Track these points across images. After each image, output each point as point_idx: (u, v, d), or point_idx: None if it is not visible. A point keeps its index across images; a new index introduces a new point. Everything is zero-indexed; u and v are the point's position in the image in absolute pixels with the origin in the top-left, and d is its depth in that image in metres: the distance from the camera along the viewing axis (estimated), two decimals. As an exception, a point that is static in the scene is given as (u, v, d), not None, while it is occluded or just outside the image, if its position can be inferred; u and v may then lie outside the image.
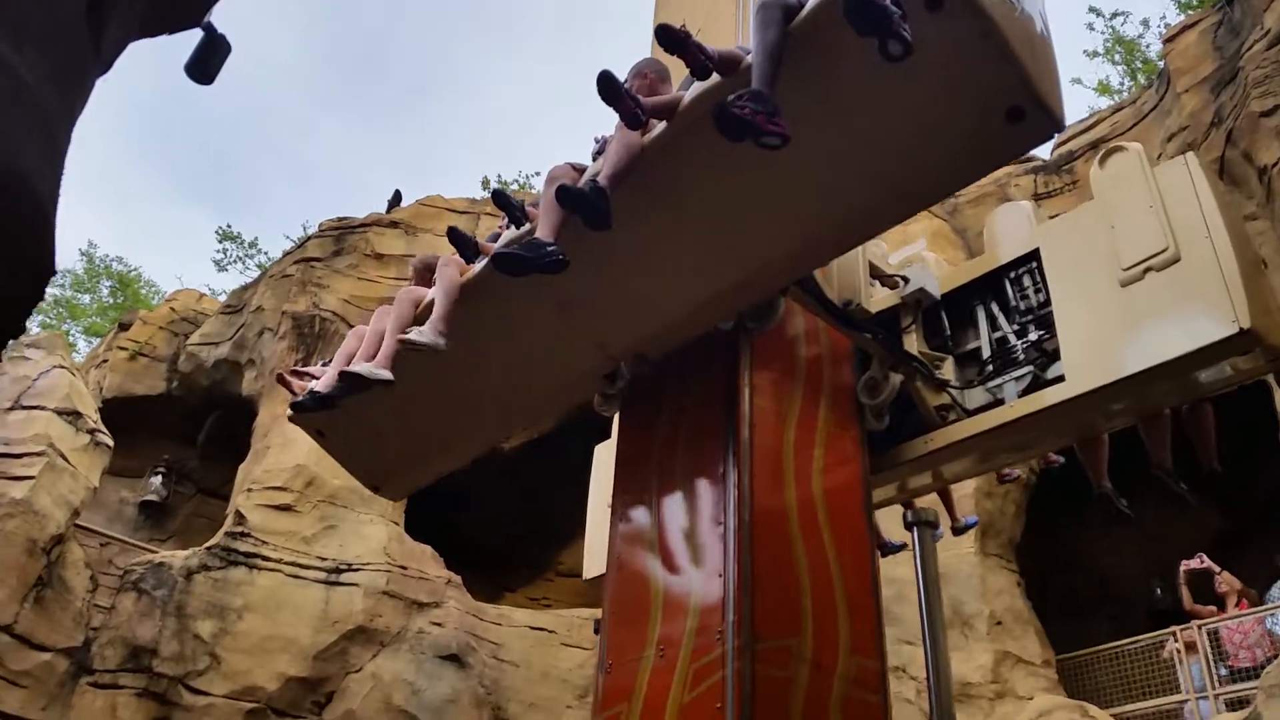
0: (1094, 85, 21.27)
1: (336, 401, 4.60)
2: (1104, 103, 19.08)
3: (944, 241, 12.86)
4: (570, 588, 14.87)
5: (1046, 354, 4.69)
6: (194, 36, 6.05)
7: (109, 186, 47.29)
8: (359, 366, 4.32)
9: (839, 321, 4.70)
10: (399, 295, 4.71)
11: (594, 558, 6.26)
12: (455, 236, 4.57)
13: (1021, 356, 4.80)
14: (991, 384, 4.90)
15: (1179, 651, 10.33)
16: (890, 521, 5.84)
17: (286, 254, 15.52)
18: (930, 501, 5.86)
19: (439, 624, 11.02)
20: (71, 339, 24.58)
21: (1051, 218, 5.54)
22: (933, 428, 4.87)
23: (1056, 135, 3.57)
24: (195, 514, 14.79)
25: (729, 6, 5.71)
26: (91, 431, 10.75)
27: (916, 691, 10.26)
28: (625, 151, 3.67)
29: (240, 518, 11.36)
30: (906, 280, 5.08)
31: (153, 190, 49.63)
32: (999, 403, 4.80)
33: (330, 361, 5.24)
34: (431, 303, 4.52)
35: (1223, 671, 10.11)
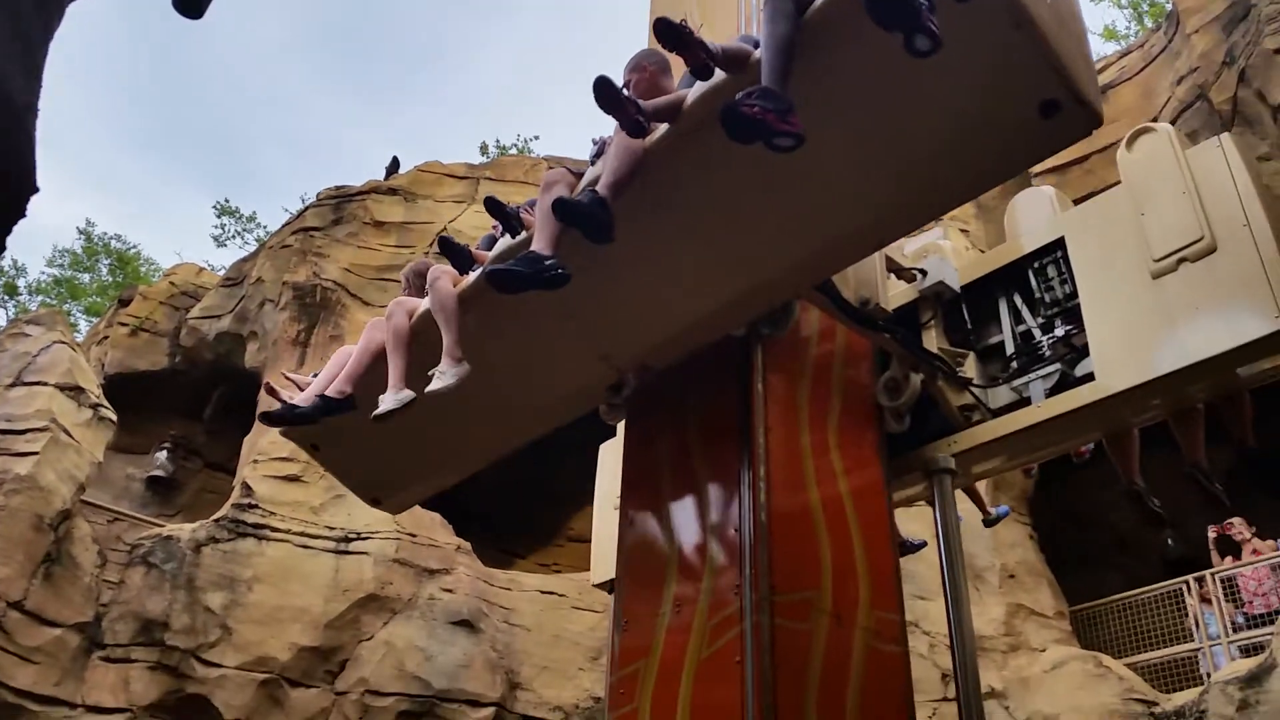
0: (1099, 30, 20.91)
1: (315, 419, 4.40)
2: (1110, 48, 18.78)
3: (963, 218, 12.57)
4: (579, 553, 14.85)
5: (1075, 350, 4.46)
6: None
7: (105, 167, 47.04)
8: (385, 402, 4.11)
9: (857, 322, 4.47)
10: (391, 308, 4.50)
11: (602, 562, 6.13)
12: (447, 246, 4.34)
13: (1048, 353, 4.56)
14: (1017, 382, 4.65)
15: (1195, 608, 10.31)
16: (909, 523, 5.77)
17: (285, 224, 15.37)
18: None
19: (450, 590, 10.99)
20: (72, 319, 24.51)
21: (1052, 170, 5.33)
22: (956, 429, 4.65)
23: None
24: (203, 489, 14.76)
25: None
26: (94, 406, 10.68)
27: (929, 646, 10.24)
28: (626, 158, 3.45)
29: (248, 489, 11.31)
30: (925, 273, 4.85)
31: (149, 170, 49.39)
32: (1025, 401, 4.58)
33: (316, 374, 5.03)
34: (425, 313, 4.34)
35: (1239, 619, 10.09)
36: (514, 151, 21.30)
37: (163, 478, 14.36)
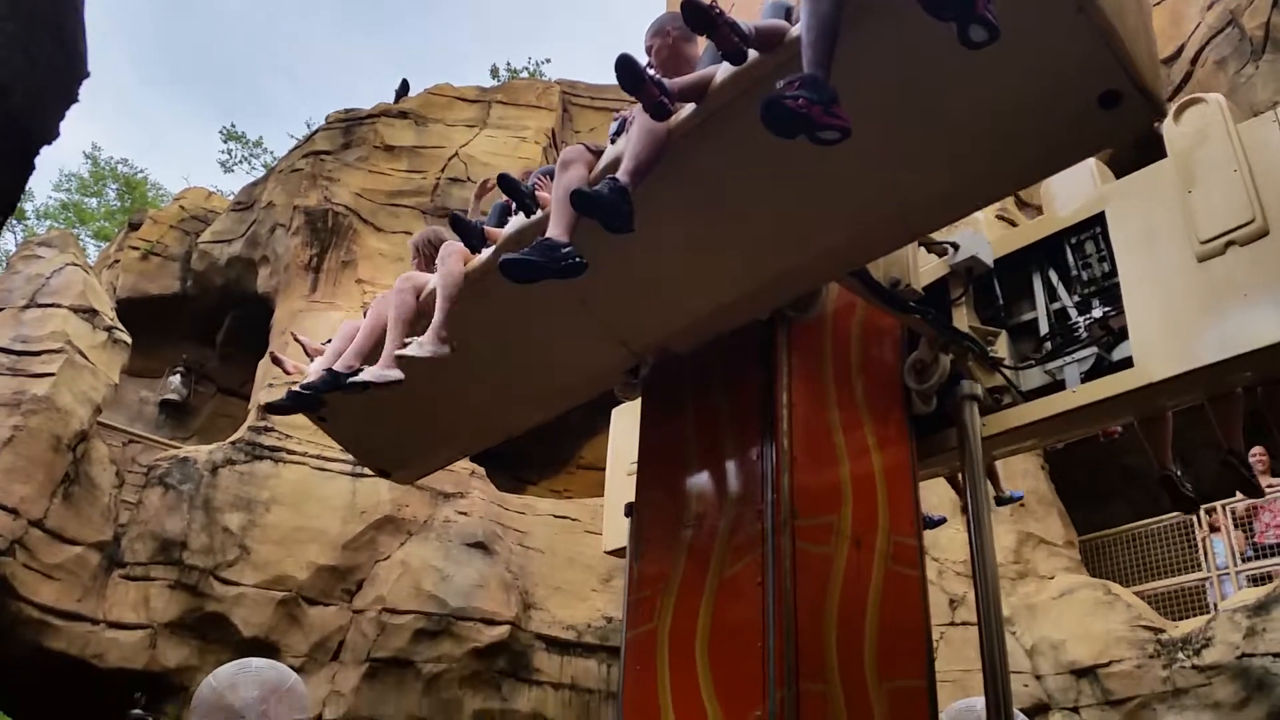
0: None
1: (321, 401, 4.30)
2: (1136, -26, 18.22)
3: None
4: (591, 480, 14.97)
5: (1112, 332, 4.25)
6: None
7: (109, 92, 46.47)
8: (369, 373, 4.01)
9: (886, 304, 4.30)
10: (398, 284, 4.38)
11: (614, 529, 6.10)
12: (459, 225, 4.16)
13: (1084, 334, 4.35)
14: (1050, 365, 4.45)
15: (1205, 540, 10.37)
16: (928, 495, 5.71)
17: (295, 148, 15.20)
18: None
19: (465, 513, 11.11)
20: (81, 243, 24.41)
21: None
22: (985, 411, 4.45)
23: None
24: (217, 413, 14.85)
25: None
26: (109, 329, 10.68)
27: (938, 572, 10.35)
28: (649, 142, 3.24)
29: (263, 412, 11.37)
30: (956, 247, 4.65)
31: (154, 95, 48.78)
32: (1058, 385, 4.40)
33: (330, 341, 4.92)
34: (434, 292, 4.23)
35: (1249, 554, 10.15)
36: (525, 75, 20.93)
37: (176, 401, 14.44)
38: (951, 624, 10.48)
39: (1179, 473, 4.84)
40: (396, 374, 4.01)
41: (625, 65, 3.09)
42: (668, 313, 4.12)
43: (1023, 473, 11.24)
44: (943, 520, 5.81)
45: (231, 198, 16.55)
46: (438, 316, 3.99)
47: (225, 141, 26.08)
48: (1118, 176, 4.56)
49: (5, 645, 9.43)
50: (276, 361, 5.28)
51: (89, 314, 10.56)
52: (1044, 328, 4.56)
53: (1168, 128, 4.17)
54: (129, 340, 11.00)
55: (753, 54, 3.10)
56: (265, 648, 10.18)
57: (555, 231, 3.30)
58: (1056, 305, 4.55)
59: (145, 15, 47.16)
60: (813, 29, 2.82)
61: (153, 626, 10.07)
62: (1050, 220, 4.63)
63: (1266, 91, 10.04)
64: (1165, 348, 3.91)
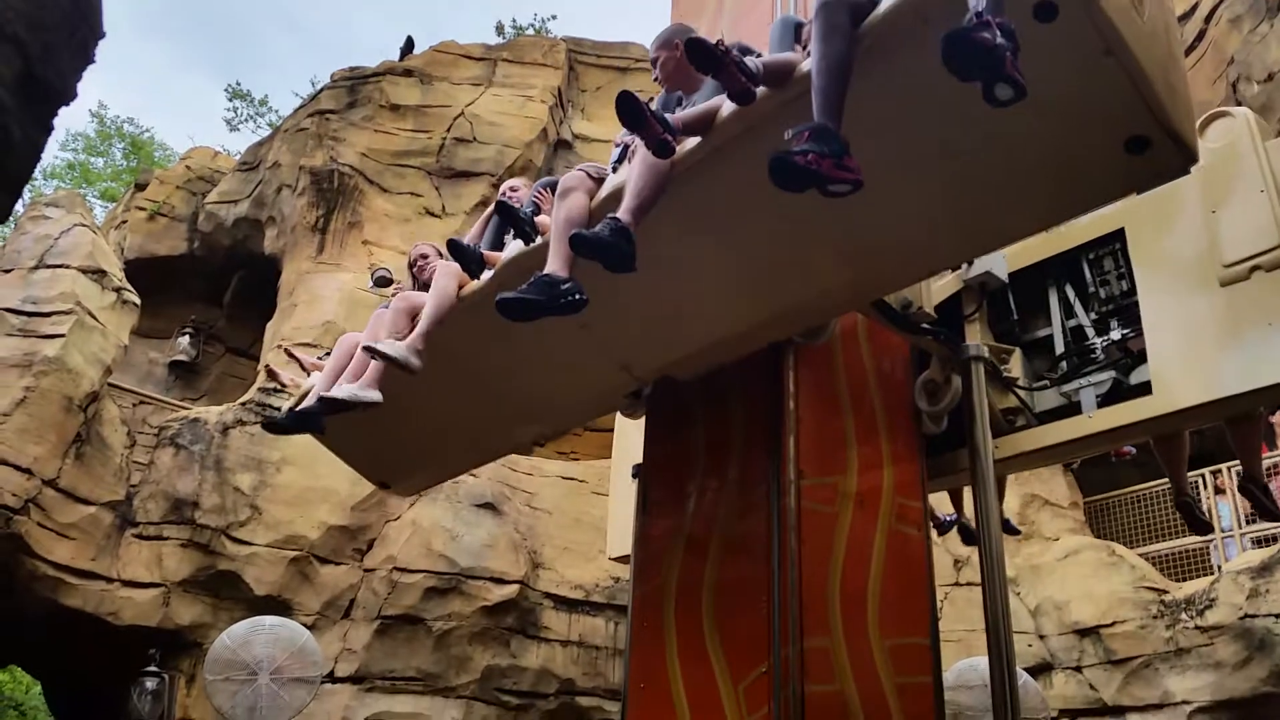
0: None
1: (319, 421, 4.21)
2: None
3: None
4: (598, 442, 15.04)
5: (1130, 355, 4.12)
6: None
7: (113, 50, 46.08)
8: (342, 390, 3.92)
9: (897, 327, 4.19)
10: (394, 303, 4.29)
11: (619, 535, 6.06)
12: (456, 249, 4.03)
13: (1101, 356, 4.21)
14: (1066, 387, 4.31)
15: (1210, 502, 10.38)
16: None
17: (300, 107, 15.11)
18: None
19: (473, 474, 11.18)
20: (88, 203, 24.37)
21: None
22: (998, 433, 4.32)
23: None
24: (226, 373, 14.91)
25: None
26: (117, 289, 10.70)
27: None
28: (652, 178, 3.13)
29: (272, 373, 11.42)
30: (970, 261, 4.50)
31: (157, 54, 48.41)
32: (1074, 407, 4.27)
33: (328, 353, 4.82)
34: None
35: (1253, 517, 10.18)
36: (531, 32, 20.72)
37: (185, 362, 14.48)
38: (956, 584, 10.56)
39: (1195, 497, 4.78)
40: (374, 395, 3.92)
41: (626, 103, 2.96)
42: (671, 341, 4.04)
43: (1029, 434, 11.24)
44: (955, 520, 5.81)
45: (238, 157, 16.50)
46: (420, 327, 3.92)
47: (231, 100, 25.96)
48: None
49: (23, 603, 9.57)
50: (272, 374, 5.25)
51: (98, 275, 10.58)
52: (1060, 346, 4.42)
53: None
54: (138, 301, 11.02)
55: (761, 89, 2.97)
56: (278, 606, 10.32)
57: (554, 266, 3.18)
58: (1073, 322, 4.41)
59: (148, -27, 46.74)
60: (823, 72, 2.70)
61: (166, 585, 10.20)
62: (1067, 235, 4.47)
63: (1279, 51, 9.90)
64: (1186, 374, 3.78)
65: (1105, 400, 4.13)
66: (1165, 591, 9.67)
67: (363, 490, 10.90)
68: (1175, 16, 2.95)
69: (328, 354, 4.76)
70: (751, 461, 4.37)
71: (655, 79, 3.92)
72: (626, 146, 3.63)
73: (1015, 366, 4.48)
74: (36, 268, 10.32)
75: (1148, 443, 4.67)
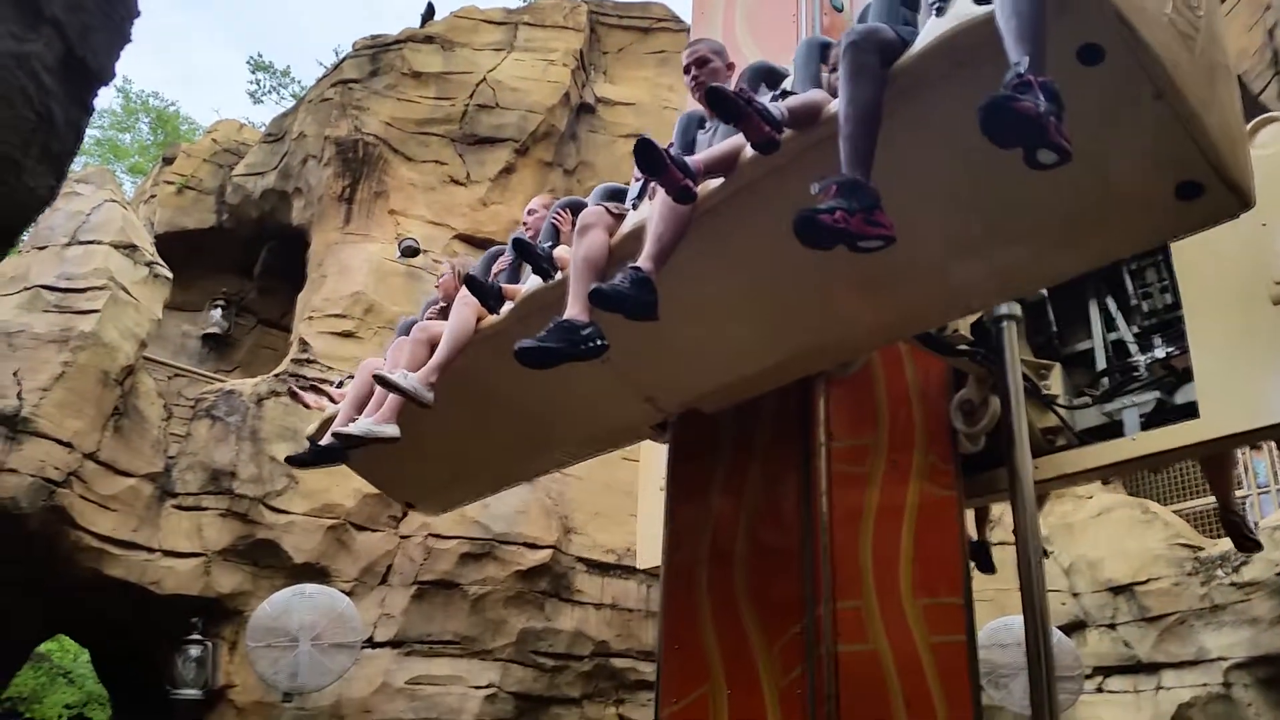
0: None
1: (340, 455, 4.23)
2: None
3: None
4: (628, 405, 15.12)
5: (1175, 373, 3.97)
6: None
7: (136, 26, 46.15)
8: (358, 426, 3.91)
9: (932, 349, 4.10)
10: (414, 333, 4.23)
11: (649, 546, 6.02)
12: (474, 285, 3.91)
13: (1144, 374, 4.07)
14: (1108, 407, 4.17)
15: (1246, 458, 10.29)
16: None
17: (324, 77, 15.11)
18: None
19: (504, 441, 11.29)
20: (117, 180, 24.56)
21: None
22: (1038, 452, 4.19)
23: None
24: (258, 345, 15.06)
25: None
26: (149, 264, 10.81)
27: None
28: (673, 222, 3.00)
29: (304, 345, 11.54)
30: None
31: (179, 28, 48.47)
32: (1115, 425, 4.14)
33: (347, 382, 4.84)
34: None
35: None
36: (552, -3, 20.50)
37: (218, 334, 14.63)
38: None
39: (1243, 514, 4.67)
40: (390, 430, 3.89)
41: (645, 151, 2.82)
42: (696, 376, 3.99)
43: (1061, 392, 11.16)
44: (975, 544, 5.75)
45: (263, 129, 16.55)
46: (435, 359, 3.87)
47: (253, 72, 25.97)
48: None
49: (68, 573, 9.79)
50: (294, 396, 5.26)
51: (129, 250, 10.69)
52: (1101, 361, 4.29)
53: None
54: (170, 275, 11.13)
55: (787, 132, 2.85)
56: (316, 573, 10.49)
57: (574, 310, 3.09)
58: (1114, 336, 4.29)
59: (168, -55, 46.65)
60: (851, 118, 2.54)
61: (206, 554, 10.39)
62: None
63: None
64: (1234, 397, 3.64)
65: (1149, 421, 3.99)
66: (1200, 548, 9.61)
67: (396, 458, 11.02)
68: (1228, 54, 2.73)
69: (350, 377, 4.75)
70: (782, 427, 4.37)
71: (689, 87, 3.78)
72: (647, 180, 3.55)
73: (1055, 382, 4.34)
74: (70, 244, 10.44)
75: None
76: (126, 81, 28.33)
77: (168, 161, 16.00)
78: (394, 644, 10.68)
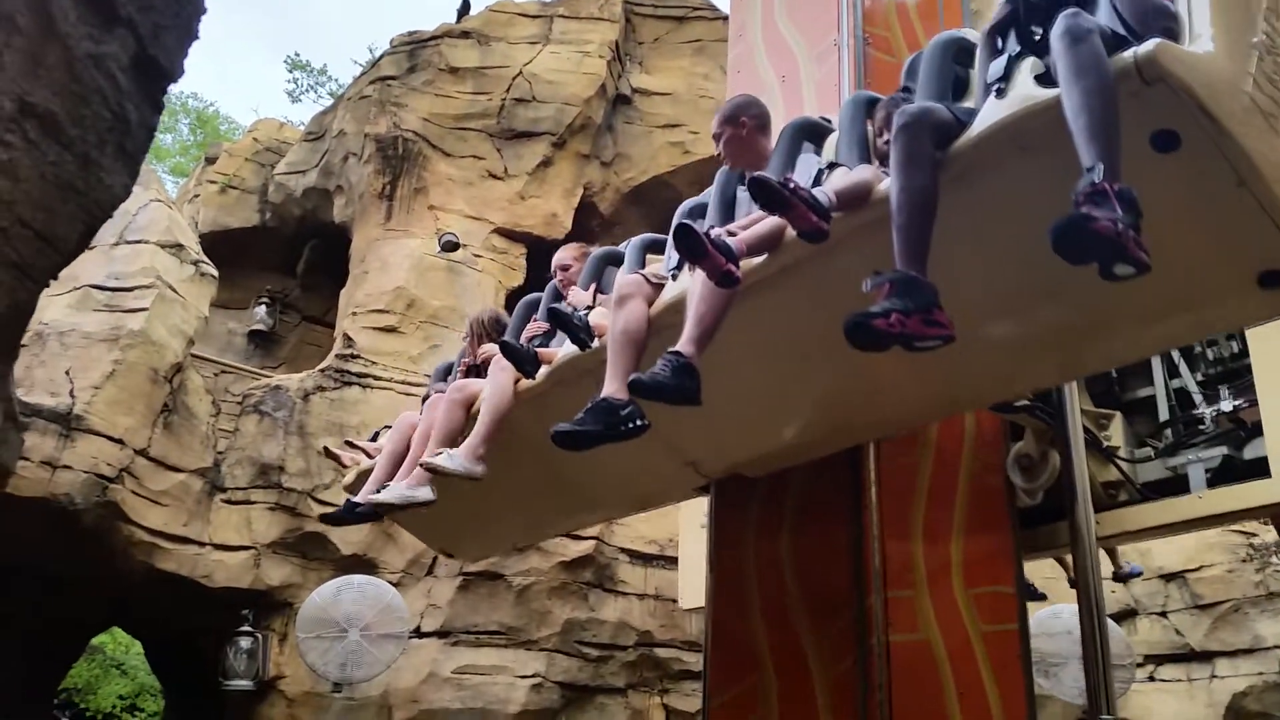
0: None
1: (376, 517, 4.23)
2: None
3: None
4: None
5: (1244, 427, 3.83)
6: None
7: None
8: (393, 493, 3.89)
9: (989, 406, 3.99)
10: (450, 393, 4.18)
11: (690, 587, 5.89)
12: (510, 352, 3.84)
13: (1211, 427, 3.92)
14: (1172, 461, 4.03)
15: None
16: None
17: (362, 74, 15.23)
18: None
19: (545, 433, 11.34)
20: (160, 180, 24.93)
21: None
22: (1098, 507, 4.08)
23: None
24: (303, 341, 15.24)
25: None
26: (195, 263, 10.98)
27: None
28: (715, 303, 2.88)
29: (349, 340, 11.66)
30: None
31: (215, 28, 49.04)
32: (1179, 480, 3.99)
33: (383, 431, 4.84)
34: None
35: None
36: (586, -11, 20.49)
37: (263, 331, 14.82)
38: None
39: None
40: (425, 494, 3.87)
41: (684, 235, 2.71)
42: (739, 444, 3.93)
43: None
44: (1043, 596, 5.62)
45: (302, 128, 16.72)
46: (479, 430, 3.81)
47: (291, 71, 26.23)
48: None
49: (121, 567, 9.99)
50: (331, 455, 5.27)
51: (175, 249, 10.86)
52: (1163, 411, 4.15)
53: None
54: (215, 274, 11.30)
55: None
56: (364, 565, 10.62)
57: (612, 387, 3.01)
58: (1177, 383, 4.14)
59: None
60: (904, 207, 2.40)
61: (256, 547, 10.55)
62: None
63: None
64: None
65: (1216, 478, 3.86)
66: (1254, 534, 9.43)
67: (439, 451, 11.10)
68: None
69: (388, 428, 4.74)
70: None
71: (717, 154, 3.70)
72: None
73: (1115, 432, 4.21)
74: (117, 244, 10.62)
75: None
76: (168, 83, 28.64)
77: (210, 161, 16.21)
78: (440, 634, 10.78)
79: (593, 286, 4.15)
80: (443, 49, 14.10)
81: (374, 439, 5.04)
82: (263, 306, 14.87)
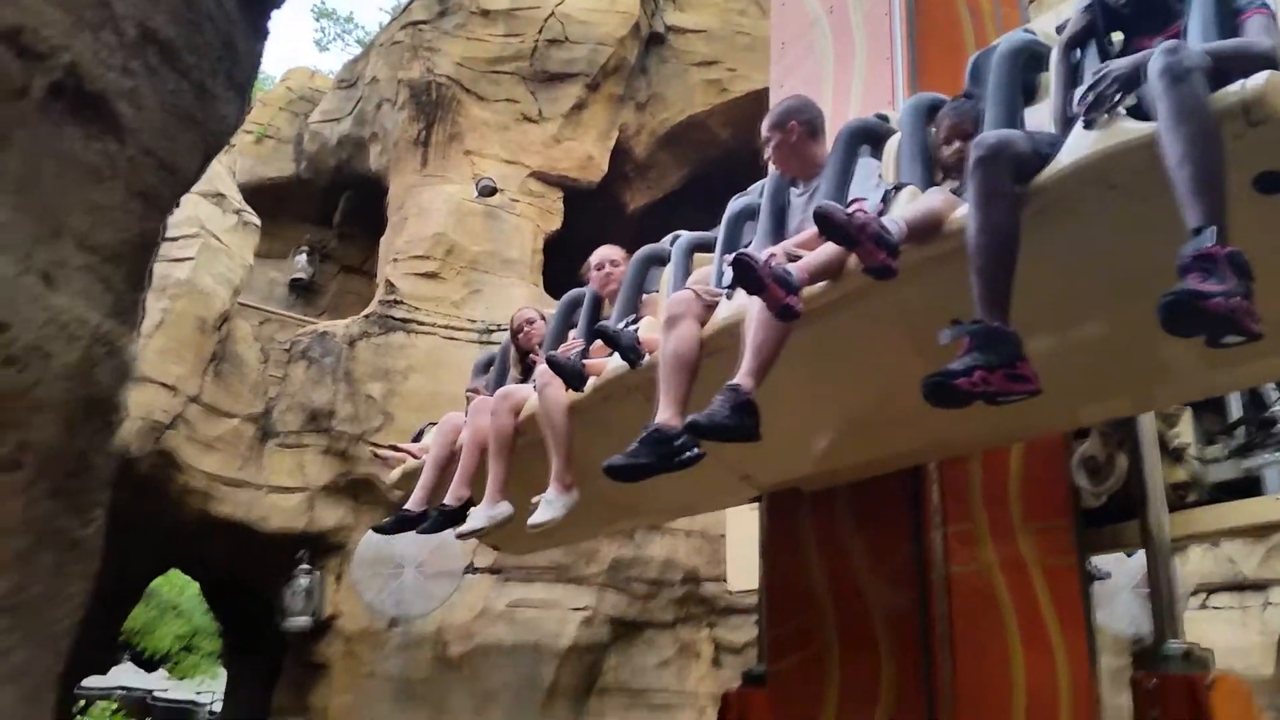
0: None
1: (439, 529, 4.22)
2: None
3: None
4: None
5: None
6: None
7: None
8: (479, 519, 3.90)
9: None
10: (495, 403, 4.11)
11: (738, 570, 5.81)
12: (557, 366, 3.72)
13: None
14: (1246, 463, 3.95)
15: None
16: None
17: (393, 20, 15.11)
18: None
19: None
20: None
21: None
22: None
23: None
24: (343, 290, 15.36)
25: None
26: (237, 211, 11.07)
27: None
28: (774, 335, 2.75)
29: (391, 287, 11.75)
30: None
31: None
32: (1251, 481, 3.91)
33: (427, 428, 4.83)
34: (533, 409, 3.94)
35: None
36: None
37: (304, 281, 14.95)
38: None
39: None
40: (505, 509, 3.90)
41: (744, 268, 2.56)
42: (795, 460, 3.89)
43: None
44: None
45: (333, 76, 16.66)
46: (557, 463, 3.74)
47: (317, 19, 26.12)
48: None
49: (177, 512, 10.26)
50: (377, 456, 5.31)
51: (217, 198, 10.94)
52: (1235, 408, 4.06)
53: None
54: (258, 223, 11.40)
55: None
56: (413, 507, 10.80)
57: (665, 414, 2.91)
58: None
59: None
60: (983, 250, 2.25)
61: (309, 490, 10.78)
62: None
63: None
64: None
65: None
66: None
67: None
68: None
69: (433, 424, 4.73)
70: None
71: (765, 159, 3.58)
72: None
73: (1184, 429, 4.13)
74: (161, 195, 10.71)
75: None
76: (197, 32, 28.53)
77: (245, 111, 16.22)
78: (493, 570, 11.00)
79: (580, 341, 4.08)
80: (474, -9, 13.92)
81: (418, 438, 5.08)
82: (303, 255, 14.98)
